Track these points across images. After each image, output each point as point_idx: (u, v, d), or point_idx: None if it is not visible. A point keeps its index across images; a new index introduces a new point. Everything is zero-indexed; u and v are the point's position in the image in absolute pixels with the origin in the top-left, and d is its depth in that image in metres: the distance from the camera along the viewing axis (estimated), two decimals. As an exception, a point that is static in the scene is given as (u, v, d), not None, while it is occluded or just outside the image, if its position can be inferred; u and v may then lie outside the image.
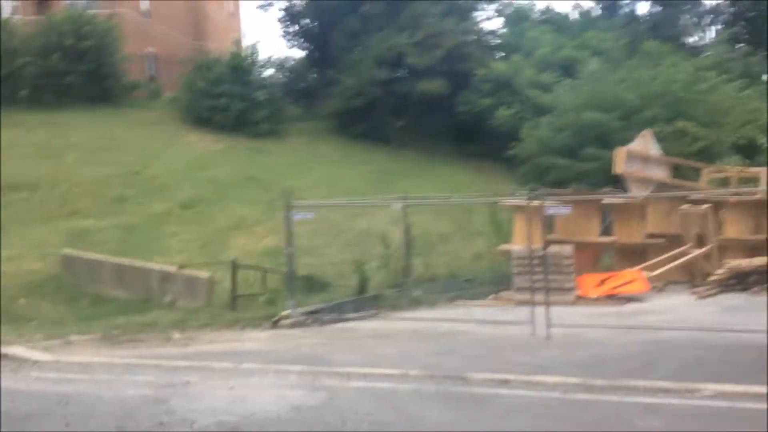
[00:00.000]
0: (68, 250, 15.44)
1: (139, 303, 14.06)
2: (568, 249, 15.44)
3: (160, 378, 9.02)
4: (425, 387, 8.13)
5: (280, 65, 32.65)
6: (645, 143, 18.10)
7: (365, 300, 14.16)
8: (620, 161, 17.63)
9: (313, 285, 14.25)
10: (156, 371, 9.50)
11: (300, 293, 13.52)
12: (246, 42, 38.88)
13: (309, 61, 38.13)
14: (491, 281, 16.54)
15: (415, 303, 14.84)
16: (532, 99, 29.41)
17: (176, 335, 11.74)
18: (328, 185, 24.55)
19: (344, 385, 8.37)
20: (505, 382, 8.18)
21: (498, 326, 11.95)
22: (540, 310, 11.12)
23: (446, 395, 7.78)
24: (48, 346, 11.18)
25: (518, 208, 15.97)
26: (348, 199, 16.61)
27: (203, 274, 13.89)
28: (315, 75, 36.88)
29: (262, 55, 35.37)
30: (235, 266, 13.61)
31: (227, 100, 29.44)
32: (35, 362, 10.29)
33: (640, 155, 18.01)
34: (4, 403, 8.03)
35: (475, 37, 33.47)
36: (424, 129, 32.55)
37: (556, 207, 12.12)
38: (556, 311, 11.40)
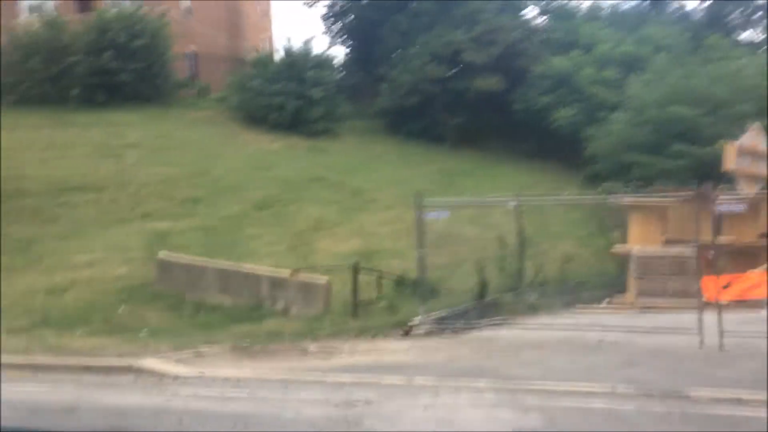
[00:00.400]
0: (164, 254, 14.66)
1: (247, 310, 13.26)
2: (691, 250, 14.60)
3: (330, 395, 8.25)
4: (650, 406, 7.33)
5: (325, 63, 31.69)
6: (755, 138, 17.22)
7: (486, 306, 13.35)
8: (731, 157, 16.74)
9: (430, 290, 13.43)
10: (320, 387, 8.73)
11: (421, 299, 12.72)
12: (279, 41, 38.03)
13: (354, 59, 37.36)
14: (601, 284, 15.71)
15: (533, 308, 14.05)
16: (595, 96, 28.60)
17: (311, 346, 10.95)
18: (396, 185, 23.76)
19: (552, 404, 7.60)
20: (737, 401, 7.36)
21: (651, 335, 11.15)
22: (708, 318, 10.33)
23: (685, 417, 6.97)
24: (180, 358, 10.40)
25: (636, 208, 15.12)
26: (458, 199, 15.77)
27: (320, 279, 13.09)
28: (361, 73, 36.05)
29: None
30: (356, 270, 12.80)
31: (283, 98, 28.61)
32: (176, 377, 9.53)
33: (749, 151, 17.13)
34: (171, 424, 7.28)
35: (529, 33, 32.53)
36: (479, 127, 31.73)
37: (729, 205, 11.29)
38: (687, 318, 10.65)
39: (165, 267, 14.45)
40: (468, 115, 31.61)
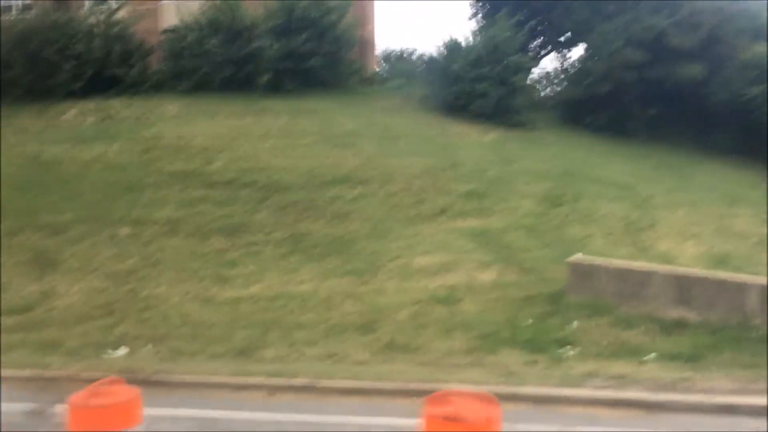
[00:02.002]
0: (578, 258, 12.69)
1: (726, 329, 11.30)
2: None
3: None
4: None
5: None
6: None
7: None
8: None
9: None
10: None
11: None
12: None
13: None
14: None
15: None
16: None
17: None
18: (648, 181, 21.89)
19: None
20: None
21: None
22: None
23: None
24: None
25: None
26: None
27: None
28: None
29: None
30: None
31: (486, 84, 26.55)
32: None
33: None
34: None
35: (731, 17, 30.43)
36: (672, 119, 29.64)
37: None
38: None
39: (581, 272, 12.48)
40: (663, 106, 29.57)
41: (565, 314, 12.20)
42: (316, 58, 27.10)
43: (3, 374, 10.86)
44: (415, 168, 20.44)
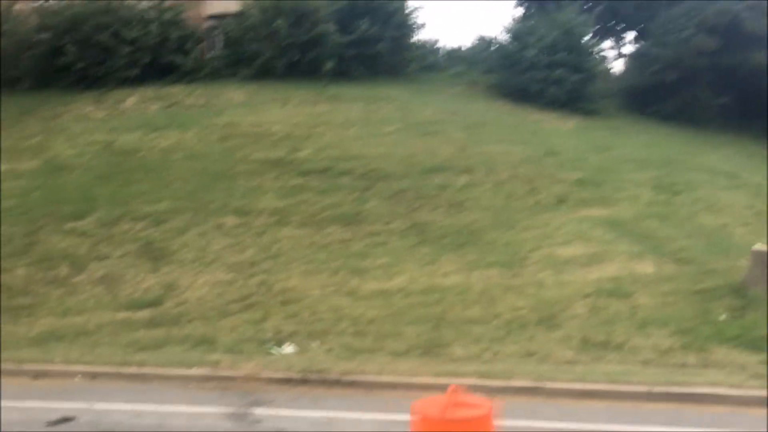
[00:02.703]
0: (761, 247, 11.87)
1: None
2: None
3: None
4: None
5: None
6: None
7: None
8: None
9: None
10: None
11: None
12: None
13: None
14: None
15: None
16: None
17: None
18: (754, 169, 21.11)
19: None
20: None
21: None
22: None
23: None
24: None
25: None
26: None
27: None
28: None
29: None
30: None
31: (562, 71, 25.70)
32: None
33: None
34: None
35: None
36: (747, 108, 28.86)
37: None
38: None
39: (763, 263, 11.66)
40: (736, 94, 28.79)
41: (758, 308, 11.33)
42: (382, 44, 26.14)
43: (168, 373, 10.00)
44: (513, 156, 19.59)
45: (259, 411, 8.44)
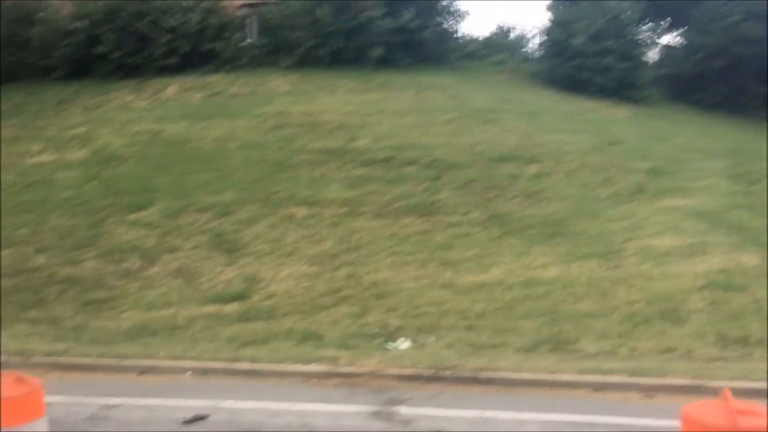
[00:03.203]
0: None
1: None
2: None
3: None
4: None
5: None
6: None
7: None
8: None
9: None
10: None
11: None
12: None
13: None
14: None
15: None
16: None
17: None
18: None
19: None
20: None
21: None
22: None
23: None
24: None
25: None
26: None
27: None
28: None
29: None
30: None
31: (611, 58, 25.14)
32: None
33: None
34: None
35: None
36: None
37: None
38: None
39: None
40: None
41: None
42: (427, 31, 25.58)
43: (285, 369, 9.52)
44: (578, 145, 19.09)
45: (405, 410, 7.94)
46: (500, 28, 33.46)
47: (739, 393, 7.90)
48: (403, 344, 10.15)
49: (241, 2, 28.95)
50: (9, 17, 27.59)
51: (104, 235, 15.33)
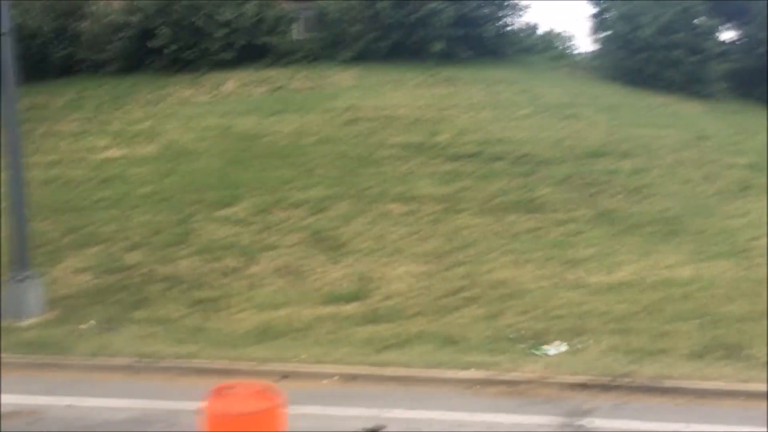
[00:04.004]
0: None
1: None
2: None
3: None
4: None
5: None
6: None
7: None
8: None
9: None
10: None
11: None
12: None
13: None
14: None
15: None
16: None
17: None
18: None
19: None
20: None
21: None
22: None
23: None
24: None
25: None
26: None
27: None
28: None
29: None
30: None
31: (681, 52, 24.46)
32: None
33: None
34: None
35: None
36: None
37: None
38: None
39: None
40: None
41: None
42: (489, 25, 24.98)
43: (438, 376, 8.96)
44: (666, 139, 18.49)
45: (597, 422, 7.36)
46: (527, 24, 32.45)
47: None
48: (556, 349, 9.56)
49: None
50: (59, 11, 27.18)
51: (195, 232, 14.82)
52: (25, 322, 11.42)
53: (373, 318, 11.17)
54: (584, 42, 31.12)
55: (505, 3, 26.17)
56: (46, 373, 9.86)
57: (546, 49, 28.55)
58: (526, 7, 26.92)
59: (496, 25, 25.67)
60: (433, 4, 24.55)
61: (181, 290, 12.76)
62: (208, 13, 25.26)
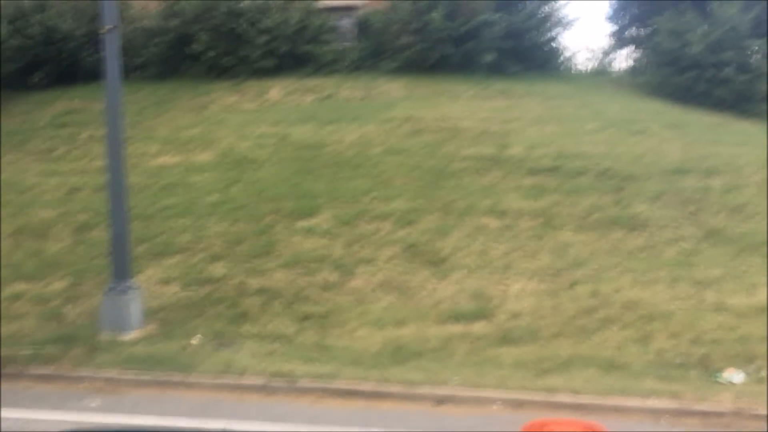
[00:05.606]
0: None
1: None
2: None
3: None
4: None
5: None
6: None
7: None
8: None
9: None
10: None
11: None
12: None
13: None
14: None
15: None
16: None
17: None
18: None
19: None
20: None
21: None
22: None
23: None
24: None
25: None
26: None
27: None
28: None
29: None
30: None
31: (730, 69, 24.13)
32: None
33: None
34: None
35: None
36: None
37: None
38: None
39: None
40: None
41: None
42: (537, 38, 24.54)
43: (619, 404, 8.21)
44: (747, 157, 17.90)
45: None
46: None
47: None
48: (737, 377, 8.85)
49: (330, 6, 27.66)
50: (92, 15, 26.23)
51: (279, 243, 13.99)
52: (128, 336, 10.51)
53: (508, 339, 10.41)
54: (618, 58, 30.48)
55: (552, 17, 25.72)
56: (172, 391, 8.98)
57: (585, 64, 28.08)
58: (575, 20, 26.08)
59: (545, 38, 25.17)
60: (485, 16, 24.01)
61: (282, 304, 11.91)
62: (250, 20, 24.51)
